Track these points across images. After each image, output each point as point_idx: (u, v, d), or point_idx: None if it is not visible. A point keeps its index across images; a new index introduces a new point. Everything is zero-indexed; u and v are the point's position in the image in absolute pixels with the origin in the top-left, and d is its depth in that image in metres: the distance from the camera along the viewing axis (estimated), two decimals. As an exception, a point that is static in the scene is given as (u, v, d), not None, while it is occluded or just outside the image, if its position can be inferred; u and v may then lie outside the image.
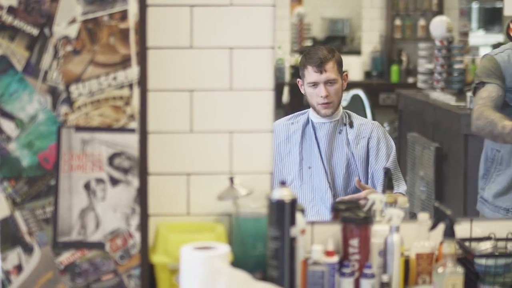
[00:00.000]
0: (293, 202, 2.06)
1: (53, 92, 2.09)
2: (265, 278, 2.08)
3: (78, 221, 2.12)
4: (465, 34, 5.60)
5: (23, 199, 2.10)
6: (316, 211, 3.05)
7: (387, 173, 2.79)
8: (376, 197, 2.30)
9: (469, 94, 3.91)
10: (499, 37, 5.46)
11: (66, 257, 2.12)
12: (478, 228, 2.35)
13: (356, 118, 3.19)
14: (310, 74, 3.10)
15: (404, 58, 6.43)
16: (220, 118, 2.24)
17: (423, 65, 4.76)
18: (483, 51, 5.44)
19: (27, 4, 2.06)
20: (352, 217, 2.16)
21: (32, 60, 2.08)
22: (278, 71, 5.73)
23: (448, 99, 4.28)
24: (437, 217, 2.18)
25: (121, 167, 2.11)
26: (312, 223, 2.31)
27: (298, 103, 3.47)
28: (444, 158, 3.90)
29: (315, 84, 3.10)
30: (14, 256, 2.11)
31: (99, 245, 2.12)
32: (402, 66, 6.42)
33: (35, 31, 2.08)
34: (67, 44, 2.08)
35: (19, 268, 2.11)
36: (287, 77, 5.88)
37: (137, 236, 2.12)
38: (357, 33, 6.92)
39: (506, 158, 2.96)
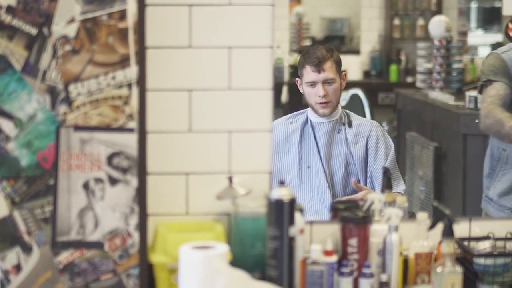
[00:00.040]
0: (292, 202, 2.06)
1: (52, 91, 2.09)
2: (264, 277, 2.08)
3: (77, 221, 2.12)
4: (464, 34, 5.60)
5: (22, 198, 2.10)
6: (315, 210, 3.05)
7: (386, 172, 2.78)
8: (375, 197, 2.30)
9: (468, 93, 3.91)
10: (498, 37, 5.46)
11: (65, 256, 2.12)
12: (477, 227, 2.35)
13: (355, 117, 3.19)
14: (309, 73, 3.10)
15: (403, 57, 6.43)
16: (219, 117, 2.24)
17: (422, 65, 4.76)
18: (482, 50, 5.45)
19: (26, 4, 2.06)
20: (351, 216, 2.16)
21: (31, 60, 2.08)
22: (277, 70, 5.73)
23: (447, 98, 4.28)
24: (436, 217, 2.18)
25: (120, 166, 2.11)
26: (311, 222, 2.31)
27: (297, 102, 3.46)
28: (443, 158, 3.91)
29: (313, 84, 3.10)
30: (13, 255, 2.11)
31: (98, 245, 2.12)
32: (401, 66, 6.41)
33: (33, 31, 2.08)
34: (66, 44, 2.08)
35: (18, 268, 2.11)
36: (286, 76, 5.88)
37: (136, 236, 2.12)
38: (356, 32, 6.92)
39: (512, 157, 2.96)
